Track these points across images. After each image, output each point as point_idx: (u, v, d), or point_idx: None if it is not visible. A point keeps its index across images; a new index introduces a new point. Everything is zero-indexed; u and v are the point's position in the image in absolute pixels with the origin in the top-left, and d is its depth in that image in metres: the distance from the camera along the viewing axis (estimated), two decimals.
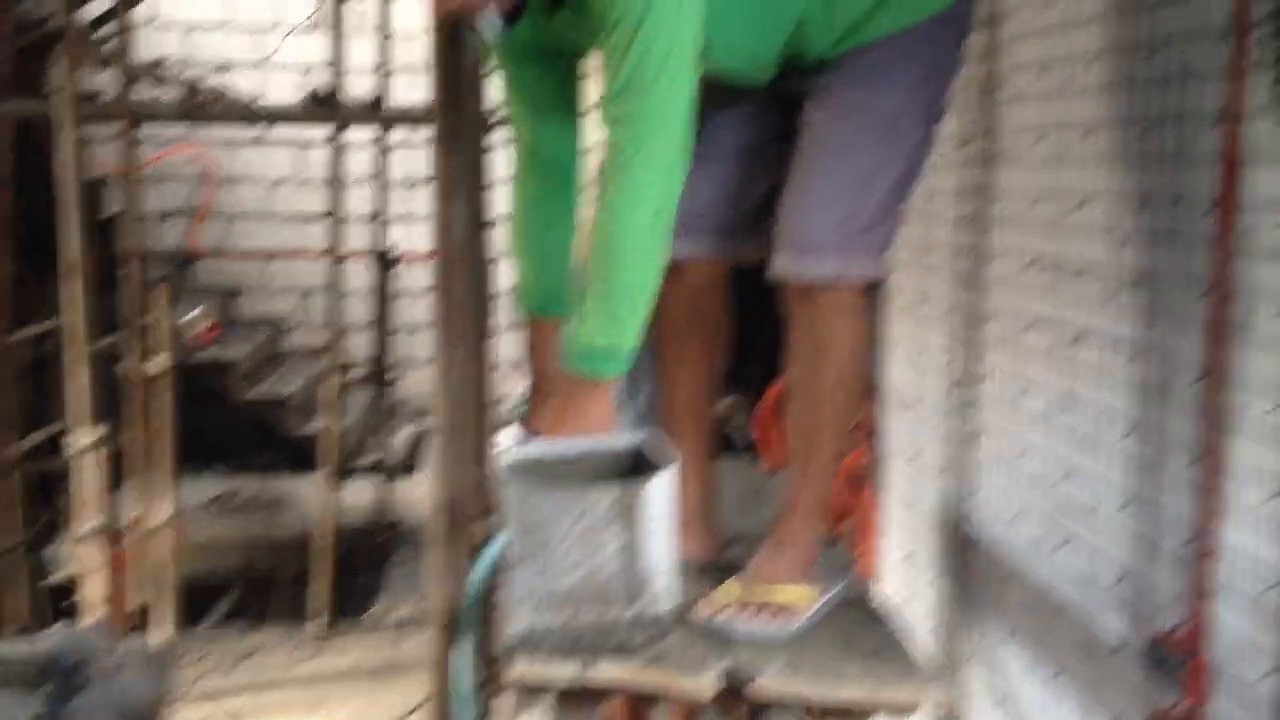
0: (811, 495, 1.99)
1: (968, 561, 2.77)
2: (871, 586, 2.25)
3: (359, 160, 6.44)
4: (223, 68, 6.73)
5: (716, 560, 2.17)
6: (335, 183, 4.93)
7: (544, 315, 2.00)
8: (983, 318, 2.71)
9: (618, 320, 1.67)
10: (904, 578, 3.27)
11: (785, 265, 1.92)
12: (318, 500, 5.15)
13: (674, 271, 1.84)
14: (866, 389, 3.49)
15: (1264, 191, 1.71)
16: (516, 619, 1.61)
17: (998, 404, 2.62)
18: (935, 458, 3.01)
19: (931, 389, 3.06)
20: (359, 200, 6.30)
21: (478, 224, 2.08)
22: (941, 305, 2.98)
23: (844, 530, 3.54)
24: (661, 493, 1.58)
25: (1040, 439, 2.40)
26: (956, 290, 2.86)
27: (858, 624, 1.97)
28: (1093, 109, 2.22)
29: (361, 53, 5.91)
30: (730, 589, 1.93)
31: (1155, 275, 2.00)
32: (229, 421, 5.90)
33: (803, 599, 1.93)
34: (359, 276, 6.21)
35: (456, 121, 1.97)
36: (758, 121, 2.04)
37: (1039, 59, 2.45)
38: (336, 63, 4.84)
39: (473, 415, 2.23)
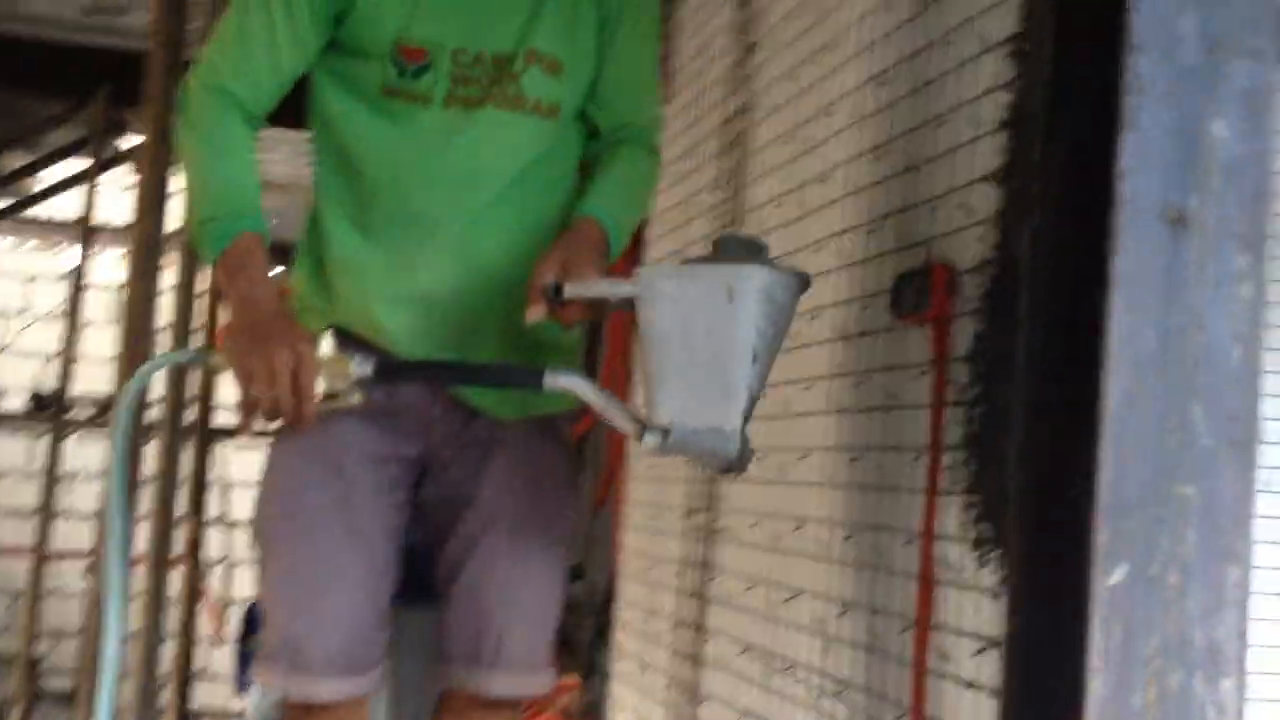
0: None
1: None
2: None
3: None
4: None
5: None
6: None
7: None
8: (700, 700, 2.60)
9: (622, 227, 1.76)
10: None
11: (504, 686, 1.74)
12: None
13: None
14: None
15: (953, 617, 1.66)
16: (658, 417, 1.51)
17: None
18: None
19: None
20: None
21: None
22: (660, 681, 2.87)
23: None
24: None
25: None
26: (675, 665, 2.76)
27: None
28: (803, 506, 2.18)
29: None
30: None
31: (851, 684, 1.92)
32: None
33: None
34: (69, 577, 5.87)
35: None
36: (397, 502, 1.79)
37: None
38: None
39: None
